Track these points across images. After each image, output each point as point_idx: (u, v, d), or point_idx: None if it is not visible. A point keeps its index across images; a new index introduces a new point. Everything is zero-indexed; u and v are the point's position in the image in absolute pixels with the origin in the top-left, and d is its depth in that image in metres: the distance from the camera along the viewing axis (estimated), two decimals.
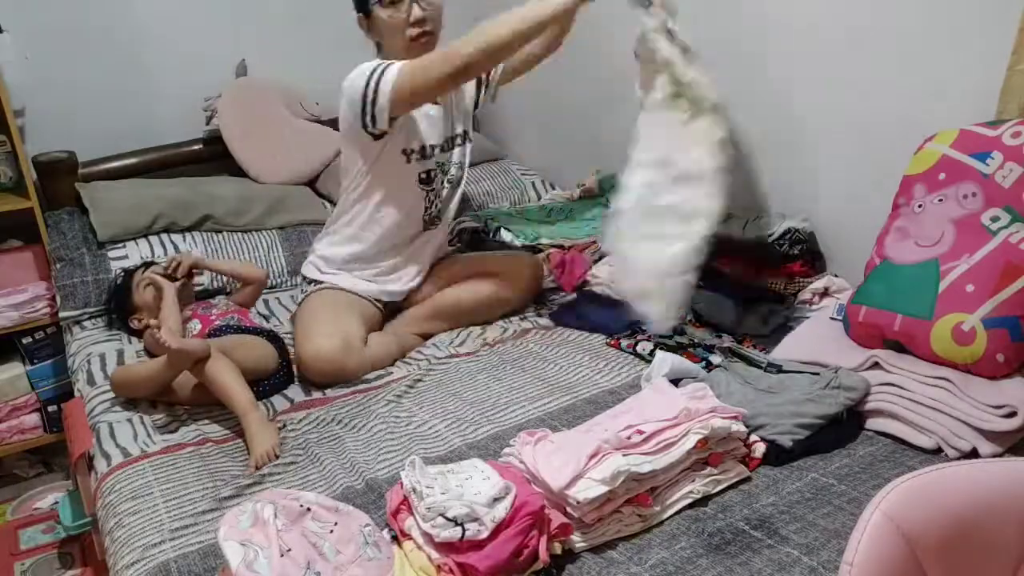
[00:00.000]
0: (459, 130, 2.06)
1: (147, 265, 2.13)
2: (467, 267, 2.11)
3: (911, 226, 1.58)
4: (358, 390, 1.81)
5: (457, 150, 2.06)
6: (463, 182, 2.15)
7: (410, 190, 1.98)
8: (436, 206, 2.06)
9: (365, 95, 1.78)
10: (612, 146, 2.66)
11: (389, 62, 1.80)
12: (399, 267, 2.07)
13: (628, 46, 2.46)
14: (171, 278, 2.01)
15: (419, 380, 1.82)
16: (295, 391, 1.85)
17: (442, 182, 2.05)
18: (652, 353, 1.80)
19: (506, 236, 2.43)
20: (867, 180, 1.86)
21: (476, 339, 2.01)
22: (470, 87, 2.08)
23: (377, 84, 1.77)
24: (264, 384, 1.82)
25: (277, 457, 1.55)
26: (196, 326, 1.95)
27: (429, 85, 1.75)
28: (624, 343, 1.89)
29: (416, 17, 1.83)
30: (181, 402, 1.77)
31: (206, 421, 1.73)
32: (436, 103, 1.97)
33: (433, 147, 1.99)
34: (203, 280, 2.25)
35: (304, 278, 2.10)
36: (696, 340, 1.86)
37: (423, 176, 1.98)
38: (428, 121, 1.97)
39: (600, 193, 2.65)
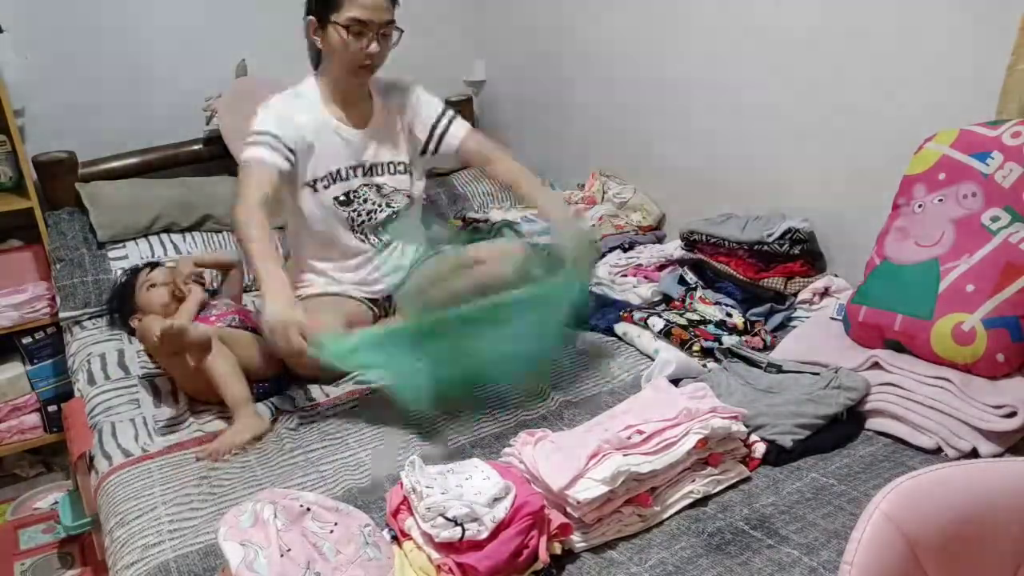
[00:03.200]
0: (386, 159, 2.01)
1: (152, 266, 2.13)
2: (459, 258, 2.08)
3: (911, 226, 1.58)
4: (359, 390, 1.82)
5: (390, 177, 2.01)
6: (412, 210, 2.09)
7: (328, 215, 1.95)
8: (370, 227, 2.01)
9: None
10: (612, 146, 2.68)
11: (247, 161, 1.82)
12: (367, 280, 2.05)
13: (628, 47, 2.48)
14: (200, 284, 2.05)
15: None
16: (296, 392, 1.85)
17: (375, 204, 2.00)
18: (662, 332, 1.82)
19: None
20: (867, 180, 1.86)
21: None
22: (417, 133, 2.05)
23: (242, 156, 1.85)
24: (264, 385, 1.82)
25: (224, 458, 1.56)
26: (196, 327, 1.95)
27: (233, 212, 1.82)
28: (636, 315, 1.90)
29: (372, 51, 1.82)
30: (184, 388, 1.80)
31: (207, 420, 1.73)
32: (358, 126, 1.96)
33: (351, 169, 1.95)
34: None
35: None
36: (707, 317, 1.87)
37: (341, 198, 1.95)
38: (343, 145, 1.93)
39: (601, 200, 2.64)
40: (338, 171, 1.94)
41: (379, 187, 2.00)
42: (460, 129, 2.08)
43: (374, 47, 1.82)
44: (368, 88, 2.00)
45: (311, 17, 1.85)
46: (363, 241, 2.02)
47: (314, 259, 2.02)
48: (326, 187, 1.93)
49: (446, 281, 2.02)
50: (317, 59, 1.96)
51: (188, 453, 1.60)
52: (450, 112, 2.09)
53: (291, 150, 1.86)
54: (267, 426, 1.67)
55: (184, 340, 1.64)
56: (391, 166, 2.02)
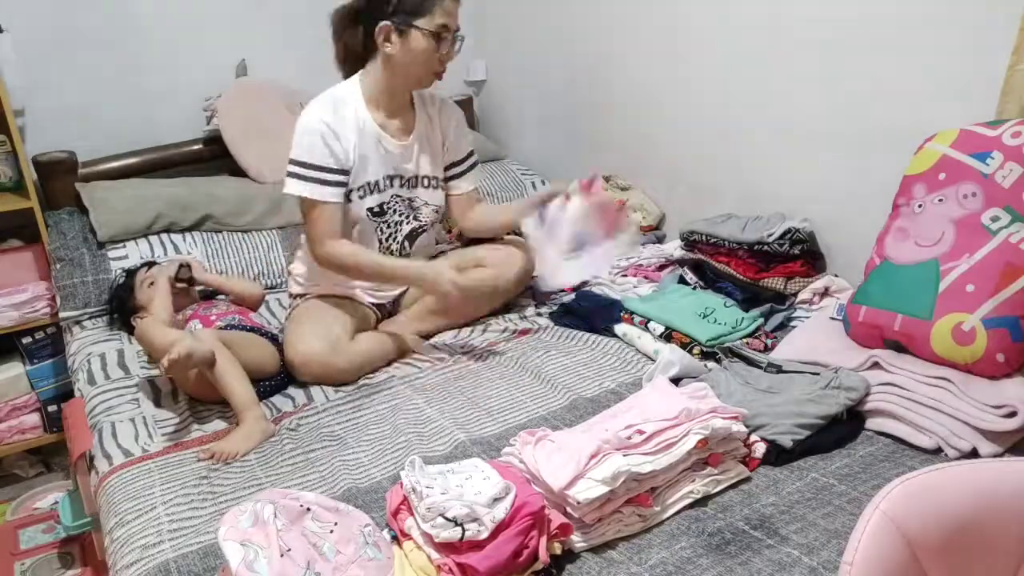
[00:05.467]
0: (425, 172, 2.01)
1: (149, 265, 2.14)
2: (460, 261, 2.09)
3: (911, 226, 1.58)
4: (359, 389, 1.82)
5: (423, 191, 2.02)
6: (436, 227, 2.11)
7: (360, 223, 1.96)
8: (395, 240, 2.02)
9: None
10: (612, 146, 2.68)
11: (309, 201, 1.84)
12: (377, 288, 2.06)
13: (628, 47, 2.48)
14: (188, 281, 2.03)
15: (420, 379, 1.83)
16: (295, 391, 1.85)
17: (403, 216, 2.00)
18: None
19: None
20: (867, 180, 1.86)
21: (477, 339, 2.02)
22: (447, 157, 2.07)
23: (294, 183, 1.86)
24: (264, 384, 1.82)
25: (228, 461, 1.56)
26: (197, 326, 1.95)
27: (313, 252, 1.91)
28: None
29: (452, 57, 1.85)
30: (185, 391, 1.80)
31: (207, 420, 1.73)
32: (401, 137, 1.96)
33: (389, 178, 1.96)
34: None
35: (289, 294, 2.13)
36: None
37: (375, 209, 1.95)
38: (384, 155, 1.93)
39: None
40: (376, 182, 1.93)
41: (411, 200, 2.00)
42: (469, 183, 2.10)
43: (453, 52, 1.85)
44: (411, 97, 1.98)
45: (385, 22, 1.80)
46: (386, 254, 2.02)
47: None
48: (361, 197, 1.93)
49: None
50: (352, 64, 1.93)
51: (188, 453, 1.60)
52: (473, 159, 2.11)
53: (344, 172, 1.87)
54: (273, 429, 1.66)
55: (192, 362, 1.63)
56: (426, 179, 2.02)
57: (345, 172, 1.87)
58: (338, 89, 1.92)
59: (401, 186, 1.97)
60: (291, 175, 1.86)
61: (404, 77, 1.88)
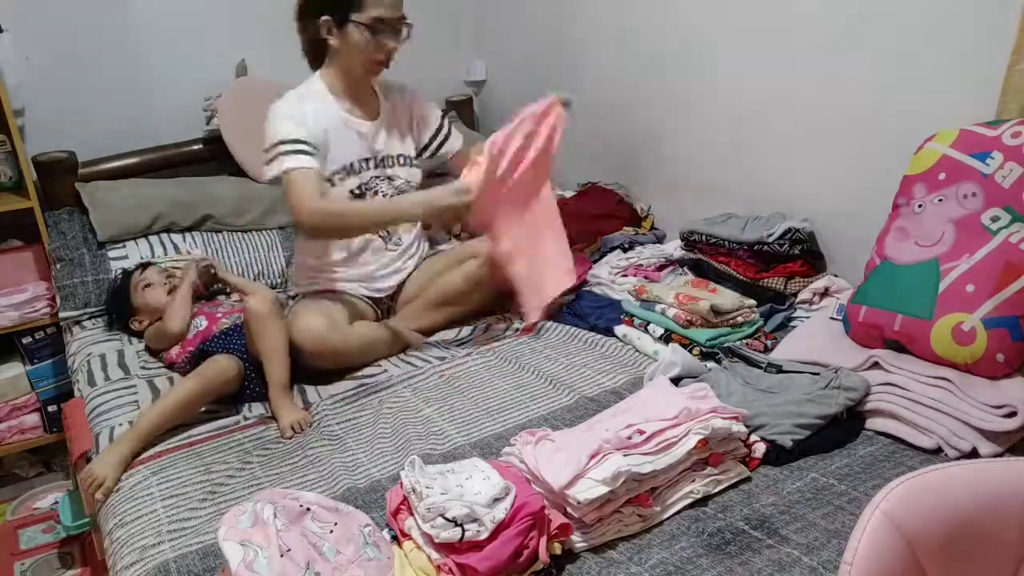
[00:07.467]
0: (398, 151, 2.05)
1: (144, 266, 2.14)
2: (454, 254, 2.13)
3: (911, 226, 1.58)
4: (358, 390, 1.82)
5: (400, 169, 2.06)
6: None
7: None
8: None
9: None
10: (612, 146, 2.68)
11: (289, 171, 1.81)
12: (374, 275, 2.07)
13: (628, 47, 2.48)
14: (208, 282, 2.07)
15: (419, 379, 1.83)
16: (294, 393, 1.85)
17: (385, 194, 2.02)
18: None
19: None
20: (867, 180, 1.86)
21: (477, 337, 2.02)
22: (422, 133, 2.12)
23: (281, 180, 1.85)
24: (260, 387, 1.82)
25: (303, 429, 1.66)
26: (202, 323, 1.95)
27: (299, 218, 1.83)
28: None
29: (390, 49, 1.88)
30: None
31: (203, 422, 1.73)
32: (368, 120, 1.99)
33: (364, 160, 1.99)
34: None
35: (288, 296, 2.15)
36: None
37: (356, 191, 1.98)
38: (355, 138, 1.97)
39: None
40: (352, 164, 1.97)
41: (391, 179, 2.03)
42: (457, 137, 2.15)
43: (393, 44, 1.87)
44: (372, 84, 2.03)
45: (326, 17, 1.86)
46: (375, 233, 2.04)
47: (323, 256, 2.02)
48: (341, 180, 1.96)
49: (441, 276, 2.05)
50: (315, 56, 1.99)
51: (187, 453, 1.60)
52: (445, 119, 2.16)
53: (318, 148, 1.88)
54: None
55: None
56: (401, 158, 2.06)
57: (318, 148, 1.88)
58: (300, 86, 1.97)
59: (376, 166, 2.01)
60: (270, 160, 1.87)
61: (350, 68, 1.93)
